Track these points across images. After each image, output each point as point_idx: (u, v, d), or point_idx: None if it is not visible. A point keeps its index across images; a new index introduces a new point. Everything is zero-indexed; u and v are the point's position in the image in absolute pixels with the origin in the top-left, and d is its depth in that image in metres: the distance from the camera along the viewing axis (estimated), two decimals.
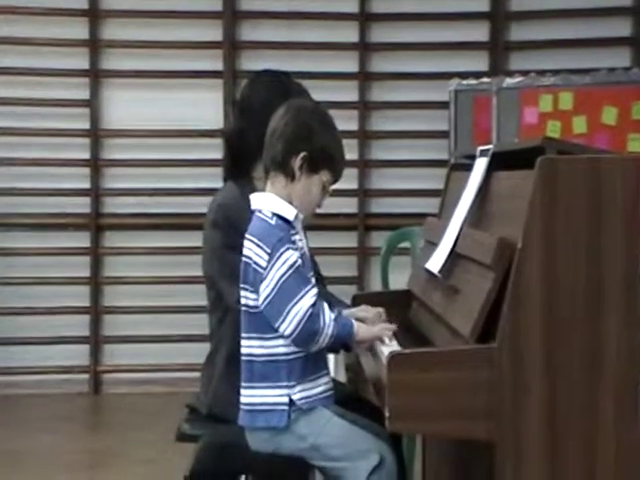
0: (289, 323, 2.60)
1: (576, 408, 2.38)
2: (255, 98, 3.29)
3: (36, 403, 6.82)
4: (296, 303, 2.59)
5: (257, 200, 2.77)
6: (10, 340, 7.11)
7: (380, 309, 2.87)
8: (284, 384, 2.68)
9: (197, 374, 3.39)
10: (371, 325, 2.81)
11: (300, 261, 2.65)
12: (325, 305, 2.66)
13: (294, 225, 2.71)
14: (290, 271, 2.61)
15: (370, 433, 2.77)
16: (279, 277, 2.61)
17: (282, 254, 2.62)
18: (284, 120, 2.74)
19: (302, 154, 2.70)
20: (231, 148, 3.33)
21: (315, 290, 2.64)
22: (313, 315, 2.60)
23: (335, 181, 2.80)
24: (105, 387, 7.25)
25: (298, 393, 2.68)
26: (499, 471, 2.39)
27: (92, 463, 5.51)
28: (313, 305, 2.60)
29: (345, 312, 2.88)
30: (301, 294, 2.60)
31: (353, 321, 2.72)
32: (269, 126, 2.78)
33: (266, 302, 2.63)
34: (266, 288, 2.62)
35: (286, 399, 2.67)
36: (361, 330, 2.72)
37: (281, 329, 2.62)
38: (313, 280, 2.70)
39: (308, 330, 2.60)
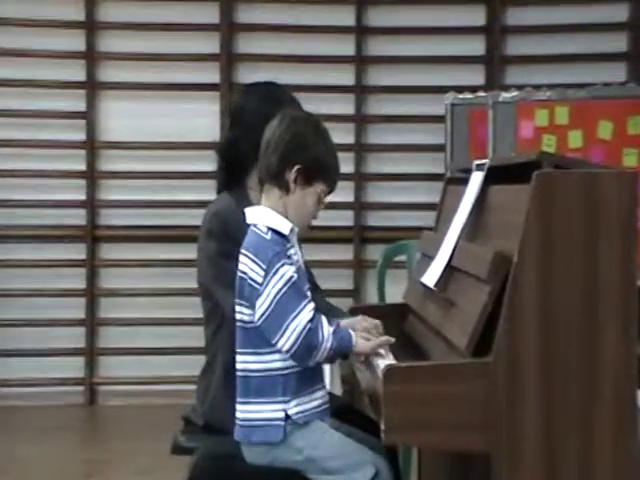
0: (287, 339, 2.58)
1: (573, 420, 2.38)
2: (247, 108, 3.30)
3: (31, 414, 6.81)
4: (294, 318, 2.58)
5: (252, 214, 2.76)
6: (5, 352, 7.10)
7: (377, 321, 2.86)
8: (280, 399, 2.67)
9: (193, 386, 3.39)
10: (366, 337, 2.80)
11: (296, 275, 2.64)
12: (323, 319, 2.64)
13: (289, 239, 2.71)
14: (286, 287, 2.60)
15: (366, 445, 2.77)
16: (276, 293, 2.60)
17: (278, 270, 2.61)
18: (278, 132, 2.73)
19: (296, 167, 2.69)
20: (224, 159, 3.34)
21: (312, 304, 2.63)
22: (312, 330, 2.58)
23: (330, 192, 2.79)
24: (100, 399, 7.24)
25: (294, 408, 2.67)
26: None
27: (87, 474, 5.49)
28: (311, 320, 2.59)
29: (343, 322, 2.88)
30: (299, 309, 2.59)
31: (352, 333, 2.70)
32: (263, 137, 2.77)
33: (263, 318, 2.62)
34: (262, 304, 2.61)
35: (282, 414, 2.67)
36: (360, 342, 2.70)
37: (279, 345, 2.61)
38: (310, 294, 2.69)
39: (307, 345, 2.59)
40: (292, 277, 2.62)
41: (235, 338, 2.79)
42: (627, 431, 2.39)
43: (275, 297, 2.60)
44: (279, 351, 2.65)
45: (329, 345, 2.61)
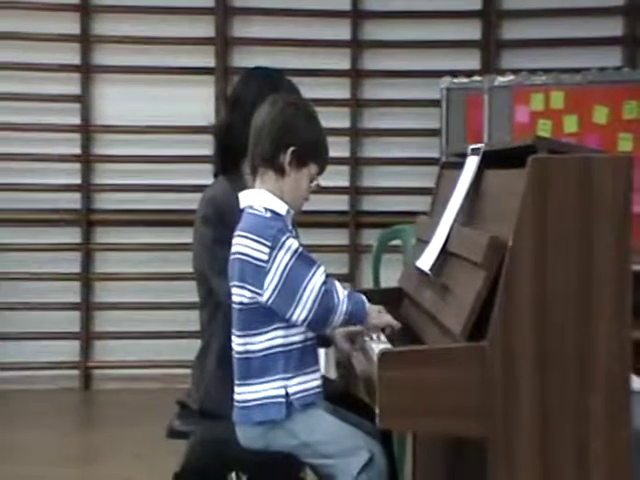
0: (303, 307, 2.61)
1: (567, 406, 2.39)
2: (246, 94, 3.30)
3: (26, 399, 6.81)
4: (307, 284, 2.61)
5: (247, 197, 2.78)
6: (0, 335, 7.10)
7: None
8: (281, 376, 2.68)
9: (188, 370, 3.39)
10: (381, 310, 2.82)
11: (301, 247, 2.66)
12: (336, 282, 2.68)
13: (285, 220, 2.72)
14: (294, 258, 2.62)
15: (361, 430, 2.78)
16: (285, 265, 2.61)
17: (284, 243, 2.63)
18: (270, 116, 2.75)
19: (291, 149, 2.72)
20: (220, 143, 3.35)
21: (323, 268, 2.65)
22: (327, 292, 2.62)
23: (320, 172, 2.82)
24: (95, 383, 7.24)
25: (295, 386, 2.68)
26: (491, 469, 2.40)
27: (83, 458, 5.51)
28: (325, 282, 2.62)
29: None
30: (310, 274, 2.62)
31: (365, 300, 2.73)
32: (254, 122, 2.79)
33: (275, 294, 2.63)
34: (272, 280, 2.62)
35: (282, 391, 2.68)
36: (373, 313, 2.75)
37: (294, 316, 2.62)
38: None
39: (324, 308, 2.62)
40: (298, 248, 2.65)
41: (230, 323, 2.79)
42: (621, 415, 2.40)
43: (284, 270, 2.62)
44: (281, 327, 2.67)
45: (345, 308, 2.65)
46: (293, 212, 2.77)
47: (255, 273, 2.65)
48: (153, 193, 7.22)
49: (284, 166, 2.73)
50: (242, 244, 2.68)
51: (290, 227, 2.72)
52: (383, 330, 2.85)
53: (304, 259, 2.64)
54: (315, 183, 2.80)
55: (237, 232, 2.72)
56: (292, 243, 2.64)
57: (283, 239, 2.63)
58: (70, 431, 6.14)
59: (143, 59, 7.22)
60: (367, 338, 2.89)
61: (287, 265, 2.62)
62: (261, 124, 2.76)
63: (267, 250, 2.63)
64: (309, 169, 2.77)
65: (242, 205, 2.77)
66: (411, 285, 3.23)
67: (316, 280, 2.62)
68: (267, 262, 2.63)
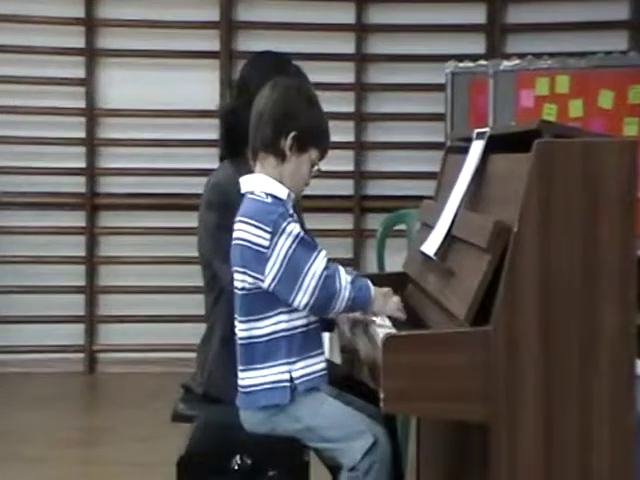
0: (305, 292, 2.61)
1: (571, 391, 2.39)
2: (252, 78, 3.30)
3: (31, 382, 6.83)
4: (309, 270, 2.60)
5: (247, 182, 2.77)
6: (5, 319, 7.12)
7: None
8: (284, 361, 2.68)
9: (192, 354, 3.40)
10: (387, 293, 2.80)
11: (303, 231, 2.66)
12: (340, 267, 2.67)
13: (286, 204, 2.72)
14: (295, 243, 2.62)
15: (365, 415, 2.78)
16: (286, 251, 2.61)
17: (285, 229, 2.63)
18: (271, 101, 2.75)
19: (292, 134, 2.72)
20: (226, 127, 3.34)
21: (324, 252, 2.65)
22: (329, 277, 2.61)
23: (322, 158, 2.81)
24: (100, 366, 7.26)
25: (299, 370, 2.69)
26: (494, 453, 2.40)
27: (86, 441, 5.52)
28: (326, 268, 2.62)
29: None
30: (312, 259, 2.62)
31: (371, 285, 2.72)
32: (254, 107, 2.78)
33: (276, 279, 2.62)
34: (274, 265, 2.62)
35: (287, 376, 2.68)
36: (377, 300, 2.73)
37: (296, 302, 2.62)
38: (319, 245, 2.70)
39: (326, 293, 2.61)
40: (299, 233, 2.64)
41: (234, 308, 2.79)
42: (625, 401, 2.40)
43: (286, 255, 2.61)
44: (284, 312, 2.67)
45: (347, 294, 2.64)
46: (294, 196, 2.77)
47: (256, 259, 2.65)
48: (158, 177, 7.22)
49: (285, 151, 2.72)
50: (243, 230, 2.68)
51: (291, 211, 2.71)
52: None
53: (305, 244, 2.64)
54: (316, 168, 2.80)
55: (238, 218, 2.72)
56: (293, 228, 2.64)
57: (284, 225, 2.63)
58: (74, 414, 6.16)
59: (148, 43, 7.21)
60: (372, 319, 2.88)
61: (288, 251, 2.61)
62: (262, 108, 2.76)
63: (268, 236, 2.63)
64: (310, 154, 2.76)
65: (243, 190, 2.77)
66: (416, 270, 3.23)
67: (317, 265, 2.62)
68: (268, 248, 2.62)
